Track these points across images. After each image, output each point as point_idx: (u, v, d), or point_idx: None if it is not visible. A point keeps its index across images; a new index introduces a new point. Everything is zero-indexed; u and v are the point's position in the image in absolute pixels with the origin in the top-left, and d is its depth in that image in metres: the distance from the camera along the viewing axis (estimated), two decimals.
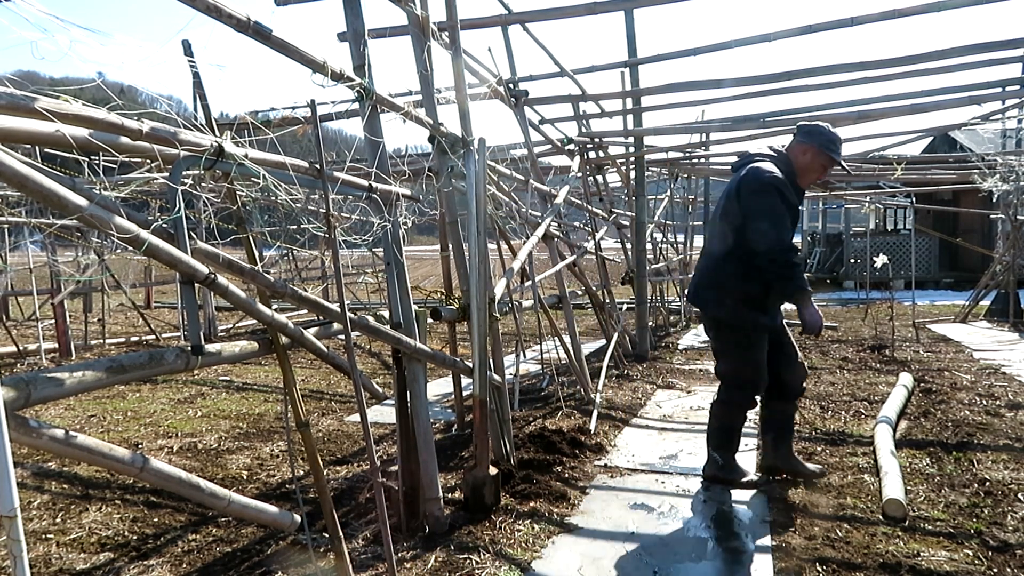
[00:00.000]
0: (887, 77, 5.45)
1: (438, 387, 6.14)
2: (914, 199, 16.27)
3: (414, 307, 3.07)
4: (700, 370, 6.84)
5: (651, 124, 7.76)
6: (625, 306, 9.81)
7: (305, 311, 7.19)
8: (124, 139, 1.78)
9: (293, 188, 2.22)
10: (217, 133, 2.03)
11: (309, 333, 2.41)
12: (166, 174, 1.92)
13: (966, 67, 5.25)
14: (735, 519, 3.10)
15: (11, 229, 7.96)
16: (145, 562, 2.74)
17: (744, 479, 3.50)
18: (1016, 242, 10.20)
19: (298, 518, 2.33)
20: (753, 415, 3.54)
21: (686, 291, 3.55)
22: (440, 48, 3.55)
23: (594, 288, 6.67)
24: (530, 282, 4.85)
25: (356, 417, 5.02)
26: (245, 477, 3.78)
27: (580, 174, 6.83)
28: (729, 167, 3.76)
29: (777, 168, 3.31)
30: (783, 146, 3.47)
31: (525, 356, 7.47)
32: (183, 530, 3.06)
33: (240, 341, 2.24)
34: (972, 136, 16.75)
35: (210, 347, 2.05)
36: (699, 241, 13.05)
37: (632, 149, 8.01)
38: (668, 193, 10.73)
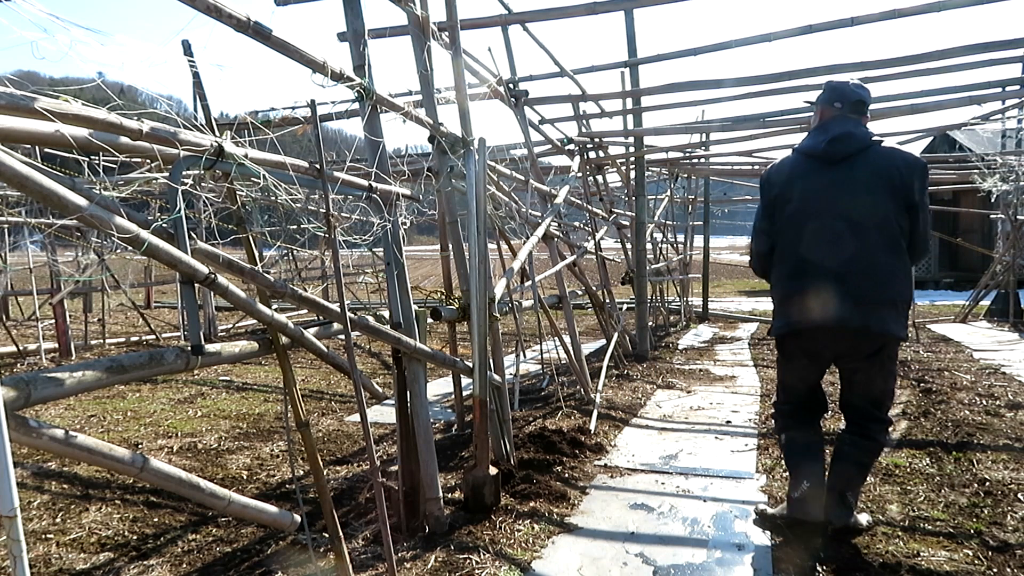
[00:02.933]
0: (887, 77, 5.46)
1: (438, 387, 6.15)
2: None
3: (414, 307, 3.07)
4: (700, 370, 6.84)
5: (651, 124, 7.76)
6: (625, 306, 9.82)
7: (305, 311, 7.18)
8: (124, 139, 1.78)
9: (293, 188, 2.22)
10: (217, 133, 2.03)
11: (309, 333, 2.41)
12: (166, 174, 1.92)
13: (966, 67, 5.26)
14: (735, 519, 3.10)
15: (11, 229, 7.96)
16: (145, 562, 2.74)
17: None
18: (1016, 242, 10.21)
19: (298, 518, 2.33)
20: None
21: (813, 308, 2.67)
22: (440, 48, 3.56)
23: (594, 288, 6.67)
24: (530, 282, 4.85)
25: (356, 417, 5.02)
26: (245, 477, 3.78)
27: (580, 174, 6.83)
28: (795, 132, 2.88)
29: None
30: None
31: (525, 356, 7.47)
32: (183, 530, 3.06)
33: (240, 341, 2.24)
34: (972, 136, 16.77)
35: (210, 347, 2.05)
36: (699, 241, 13.16)
37: (632, 149, 8.01)
38: (668, 193, 10.74)
